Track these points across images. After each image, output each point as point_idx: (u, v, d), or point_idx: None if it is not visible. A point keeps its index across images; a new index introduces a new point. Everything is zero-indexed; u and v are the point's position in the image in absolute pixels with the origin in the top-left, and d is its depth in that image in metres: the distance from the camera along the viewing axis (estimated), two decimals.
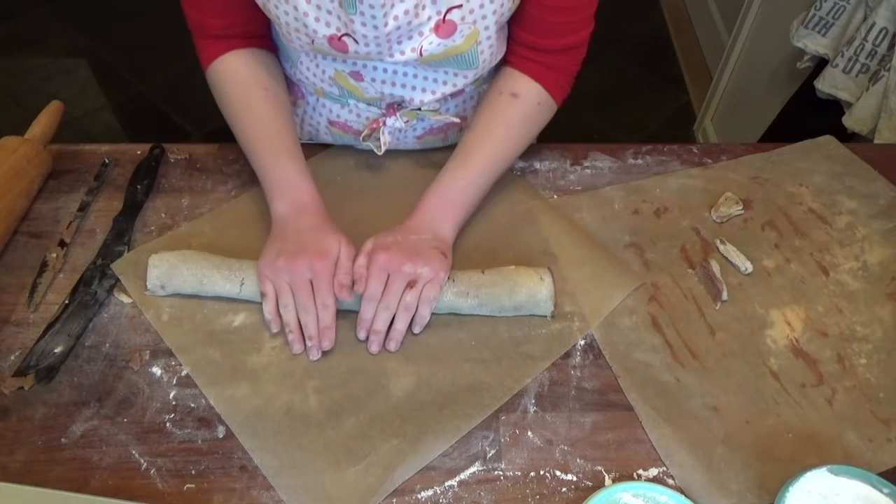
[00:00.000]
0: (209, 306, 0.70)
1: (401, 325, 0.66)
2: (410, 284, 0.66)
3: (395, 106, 0.79)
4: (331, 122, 0.84)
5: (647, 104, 2.44)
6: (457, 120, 0.82)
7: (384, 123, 0.79)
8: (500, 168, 0.76)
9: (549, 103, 0.77)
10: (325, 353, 0.66)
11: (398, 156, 0.86)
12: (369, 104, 0.80)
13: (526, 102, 0.75)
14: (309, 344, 0.66)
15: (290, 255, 0.67)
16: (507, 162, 0.77)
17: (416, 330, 0.67)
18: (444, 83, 0.76)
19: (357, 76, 0.75)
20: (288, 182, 0.73)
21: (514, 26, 0.75)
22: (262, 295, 0.67)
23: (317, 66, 0.77)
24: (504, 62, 0.77)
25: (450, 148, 0.87)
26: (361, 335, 0.67)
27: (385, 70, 0.74)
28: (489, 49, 0.71)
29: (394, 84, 0.76)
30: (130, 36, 2.58)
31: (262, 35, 0.78)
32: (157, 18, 2.61)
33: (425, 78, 0.75)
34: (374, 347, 0.66)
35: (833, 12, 1.31)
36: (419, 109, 0.79)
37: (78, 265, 0.73)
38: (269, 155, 0.74)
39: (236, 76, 0.76)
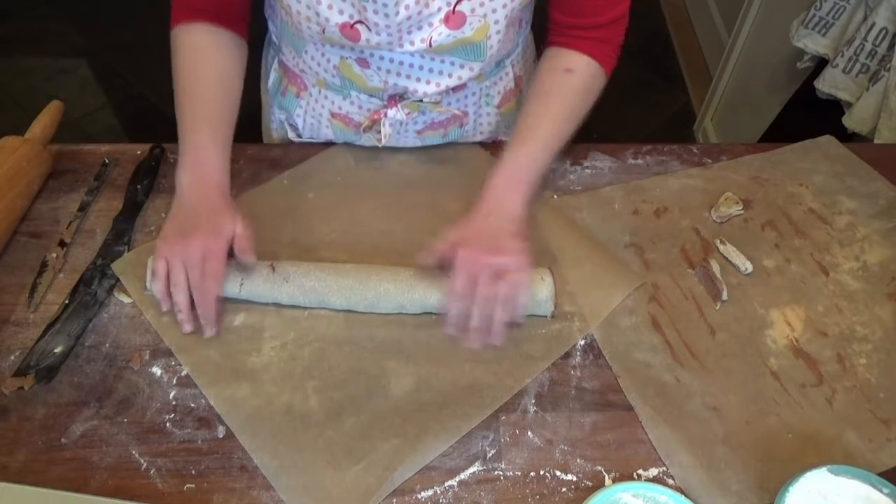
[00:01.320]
0: None
1: (502, 317, 0.65)
2: (499, 276, 0.65)
3: (397, 97, 0.79)
4: (332, 115, 0.84)
5: (647, 104, 2.44)
6: (458, 112, 0.83)
7: (385, 115, 0.79)
8: (561, 141, 0.76)
9: (601, 75, 0.78)
10: (325, 354, 0.66)
11: (398, 155, 0.86)
12: (371, 95, 0.80)
13: (580, 76, 0.77)
14: (203, 323, 0.66)
15: (185, 233, 0.66)
16: (566, 134, 0.77)
17: (518, 321, 0.67)
18: (450, 75, 0.77)
19: (363, 63, 0.76)
20: (198, 154, 0.72)
21: (555, 12, 0.76)
22: (153, 273, 0.67)
23: (322, 54, 0.77)
24: (550, 44, 0.79)
25: (449, 146, 0.88)
26: (451, 331, 0.66)
27: (392, 60, 0.75)
28: (498, 42, 0.72)
29: (399, 74, 0.76)
30: (130, 36, 2.58)
31: (237, 20, 0.78)
32: (157, 18, 2.61)
33: (430, 70, 0.76)
34: (478, 343, 0.66)
35: (833, 12, 1.31)
36: (421, 101, 0.79)
37: (78, 265, 0.73)
38: (191, 124, 0.73)
39: (195, 45, 0.75)
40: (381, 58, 0.74)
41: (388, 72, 0.76)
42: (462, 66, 0.76)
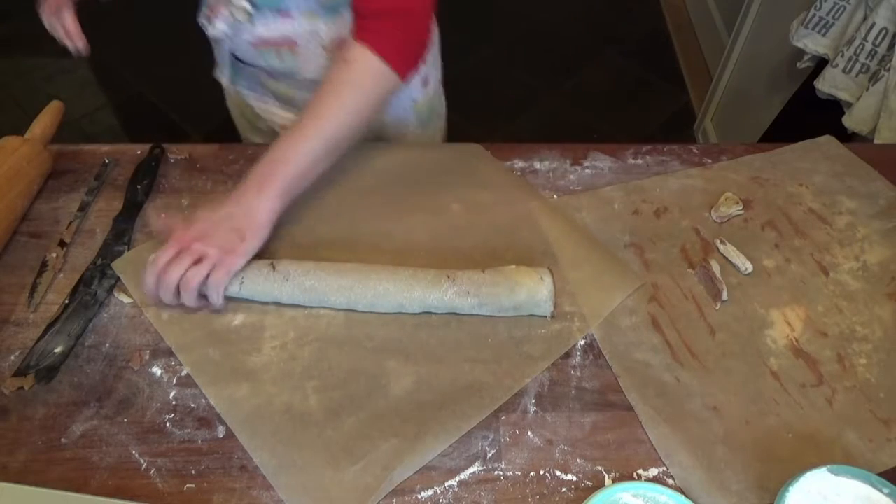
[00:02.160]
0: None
1: (185, 301, 0.67)
2: (197, 262, 0.66)
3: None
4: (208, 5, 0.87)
5: (647, 104, 2.44)
6: (292, 37, 0.84)
7: (219, 12, 0.83)
8: (333, 133, 0.73)
9: (384, 72, 0.74)
10: (325, 354, 0.66)
11: (399, 155, 0.87)
12: None
13: (357, 69, 0.74)
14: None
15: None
16: (339, 128, 0.74)
17: (205, 311, 0.68)
18: None
19: None
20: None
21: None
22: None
23: None
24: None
25: (450, 145, 0.88)
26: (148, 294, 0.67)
27: None
28: None
29: None
30: (130, 36, 2.58)
31: None
32: (156, 19, 2.61)
33: None
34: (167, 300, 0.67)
35: (833, 12, 1.31)
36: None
37: (78, 265, 0.73)
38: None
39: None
40: None
41: None
42: None
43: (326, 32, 0.85)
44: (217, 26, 0.86)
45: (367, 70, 0.74)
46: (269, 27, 0.85)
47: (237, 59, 0.94)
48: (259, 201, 0.70)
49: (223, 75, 0.98)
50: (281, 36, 0.86)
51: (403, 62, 0.76)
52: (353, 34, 0.76)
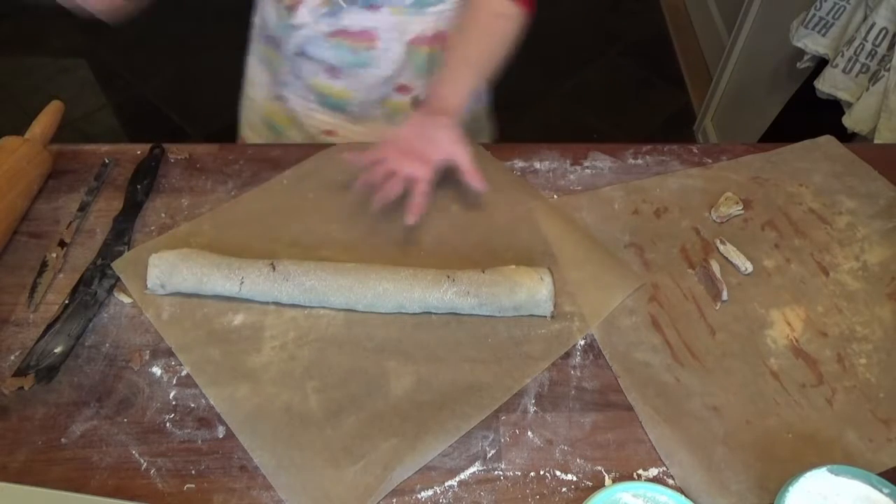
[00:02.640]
0: (209, 305, 0.70)
1: (419, 189, 0.75)
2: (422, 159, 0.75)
3: None
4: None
5: (647, 104, 2.44)
6: (374, 31, 0.88)
7: (304, 1, 0.85)
8: (487, 67, 0.83)
9: (512, 12, 0.83)
10: (325, 354, 0.66)
11: None
12: None
13: (505, 24, 0.83)
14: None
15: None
16: (491, 63, 0.83)
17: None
18: None
19: None
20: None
21: None
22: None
23: None
24: None
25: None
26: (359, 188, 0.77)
27: None
28: None
29: None
30: (130, 36, 2.58)
31: None
32: (156, 18, 2.61)
33: None
34: (382, 201, 0.75)
35: (833, 12, 1.31)
36: None
37: (78, 265, 0.73)
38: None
39: None
40: None
41: None
42: None
43: (410, 28, 0.88)
44: (299, 16, 0.87)
45: (513, 23, 0.84)
46: (354, 19, 0.87)
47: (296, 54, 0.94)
48: (455, 102, 0.79)
49: (262, 76, 0.99)
50: (363, 29, 0.87)
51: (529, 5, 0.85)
52: None
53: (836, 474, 0.55)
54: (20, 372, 0.62)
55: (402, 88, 0.95)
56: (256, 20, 0.99)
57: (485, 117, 1.10)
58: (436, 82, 0.82)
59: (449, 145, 0.76)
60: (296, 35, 0.89)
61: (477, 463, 0.60)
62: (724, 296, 0.72)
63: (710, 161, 0.88)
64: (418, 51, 0.91)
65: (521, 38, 0.86)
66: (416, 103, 0.94)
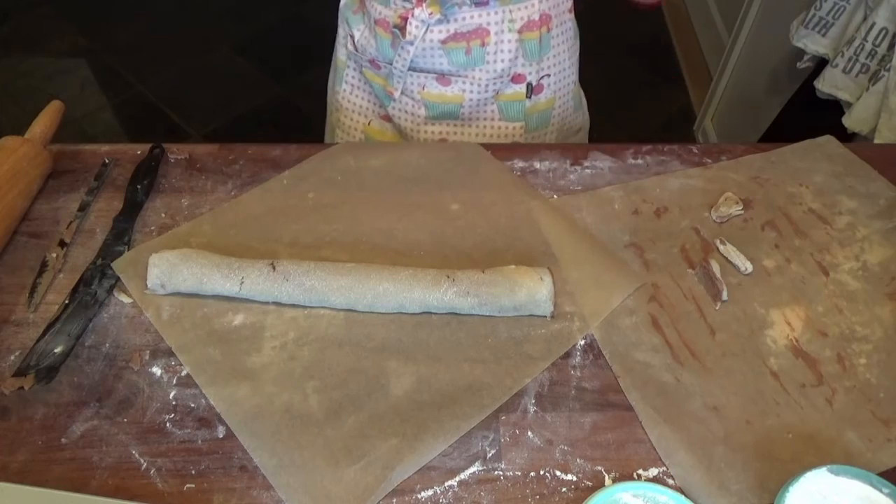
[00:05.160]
0: (209, 305, 0.70)
1: None
2: None
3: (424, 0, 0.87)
4: (376, 21, 0.93)
5: (647, 104, 2.44)
6: (486, 26, 0.89)
7: (412, 14, 0.88)
8: None
9: None
10: (325, 354, 0.66)
11: (399, 155, 0.87)
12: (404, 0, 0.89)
13: None
14: None
15: None
16: None
17: None
18: None
19: None
20: None
21: None
22: None
23: None
24: None
25: (449, 145, 0.88)
26: None
27: None
28: None
29: None
30: (130, 36, 2.58)
31: None
32: (156, 18, 2.61)
33: None
34: None
35: (833, 12, 1.31)
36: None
37: (78, 265, 0.73)
38: None
39: None
40: None
41: None
42: None
43: (518, 16, 0.90)
44: (411, 29, 0.89)
45: None
46: (465, 20, 0.89)
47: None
48: None
49: (361, 101, 1.03)
50: (476, 27, 0.89)
51: None
52: None
53: (836, 474, 0.55)
54: (20, 372, 0.62)
55: (516, 78, 0.96)
56: (343, 50, 1.02)
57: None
58: None
59: None
60: (405, 51, 0.92)
61: (477, 463, 0.60)
62: (724, 296, 0.72)
63: (710, 161, 0.88)
64: (529, 37, 0.93)
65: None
66: (531, 89, 0.96)
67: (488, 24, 0.90)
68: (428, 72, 0.95)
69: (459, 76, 0.95)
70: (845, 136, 1.21)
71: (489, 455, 0.61)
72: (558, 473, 0.60)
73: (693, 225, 0.81)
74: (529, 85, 0.98)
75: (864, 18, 1.22)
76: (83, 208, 0.79)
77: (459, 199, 0.81)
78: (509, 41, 0.92)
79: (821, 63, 1.38)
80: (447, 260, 0.74)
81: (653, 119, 2.39)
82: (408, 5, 0.89)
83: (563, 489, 0.59)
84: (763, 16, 1.85)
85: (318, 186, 0.83)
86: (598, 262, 0.76)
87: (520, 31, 0.92)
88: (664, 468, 0.60)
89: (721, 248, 0.78)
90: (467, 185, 0.83)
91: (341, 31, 1.04)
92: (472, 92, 0.96)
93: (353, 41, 0.98)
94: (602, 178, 0.86)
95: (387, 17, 0.92)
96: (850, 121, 1.24)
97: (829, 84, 1.29)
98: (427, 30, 0.90)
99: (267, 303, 0.70)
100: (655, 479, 0.60)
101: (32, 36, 2.61)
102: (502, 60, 0.94)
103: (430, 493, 0.58)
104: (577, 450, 0.61)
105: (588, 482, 0.59)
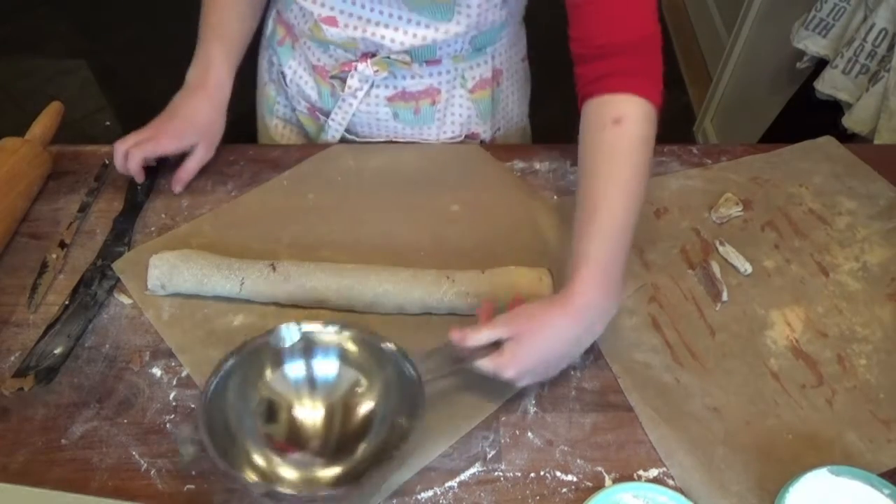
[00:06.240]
0: (209, 306, 0.70)
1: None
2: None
3: (369, 55, 0.80)
4: (314, 67, 0.85)
5: None
6: (431, 86, 0.84)
7: (355, 68, 0.81)
8: (638, 205, 0.64)
9: (652, 112, 0.66)
10: None
11: (399, 156, 0.86)
12: (346, 50, 0.81)
13: (633, 122, 0.64)
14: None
15: (149, 129, 0.79)
16: (642, 195, 0.65)
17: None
18: (415, 35, 0.77)
19: (331, 21, 0.78)
20: (206, 66, 0.81)
21: (573, 44, 0.68)
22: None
23: (301, 11, 0.81)
24: (583, 100, 0.69)
25: (450, 146, 0.88)
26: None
27: (363, 5, 0.75)
28: (467, 9, 0.74)
29: (368, 21, 0.76)
30: (130, 36, 2.58)
31: None
32: (157, 19, 2.61)
33: (399, 17, 0.76)
34: None
35: (833, 13, 1.31)
36: (389, 58, 0.79)
37: (78, 266, 0.73)
38: (207, 35, 0.82)
39: None
40: (351, 11, 0.76)
41: (356, 28, 0.77)
42: (428, 26, 0.76)
43: (471, 75, 0.84)
44: (351, 83, 0.81)
45: (642, 121, 0.65)
46: (414, 78, 0.82)
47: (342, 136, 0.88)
48: (611, 304, 0.63)
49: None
50: (426, 87, 0.83)
51: (659, 91, 0.67)
52: (596, 92, 0.66)
53: (837, 475, 0.55)
54: (20, 373, 0.62)
55: (470, 136, 0.90)
56: (273, 85, 0.93)
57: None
58: (574, 272, 0.61)
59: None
60: (347, 104, 0.84)
61: (477, 464, 0.60)
62: (724, 296, 0.72)
63: (709, 161, 0.88)
64: (482, 97, 0.87)
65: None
66: (484, 147, 0.88)
67: (440, 83, 0.84)
68: (370, 138, 0.88)
69: (406, 135, 0.88)
70: (845, 137, 1.20)
71: (489, 456, 0.61)
72: (558, 474, 0.60)
73: (693, 225, 0.81)
74: (483, 143, 0.91)
75: (864, 19, 1.22)
76: (83, 209, 0.79)
77: (459, 200, 0.81)
78: (461, 97, 0.86)
79: (820, 64, 1.38)
80: (447, 260, 0.74)
81: None
82: (350, 56, 0.81)
83: (564, 490, 0.59)
84: (763, 17, 1.85)
85: (317, 187, 0.83)
86: None
87: (471, 91, 0.85)
88: (664, 469, 0.60)
89: (721, 248, 0.78)
90: (467, 186, 0.83)
91: (265, 58, 0.94)
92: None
93: (285, 79, 0.89)
94: None
95: (325, 66, 0.83)
96: (849, 121, 1.24)
97: (829, 85, 1.29)
98: (372, 86, 0.83)
99: (267, 304, 0.70)
100: (656, 480, 0.60)
101: (32, 37, 2.60)
102: (452, 120, 0.87)
103: (430, 493, 0.58)
104: (577, 450, 0.61)
105: (588, 483, 0.59)
